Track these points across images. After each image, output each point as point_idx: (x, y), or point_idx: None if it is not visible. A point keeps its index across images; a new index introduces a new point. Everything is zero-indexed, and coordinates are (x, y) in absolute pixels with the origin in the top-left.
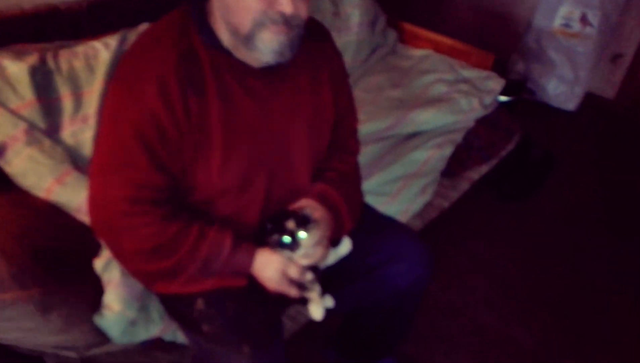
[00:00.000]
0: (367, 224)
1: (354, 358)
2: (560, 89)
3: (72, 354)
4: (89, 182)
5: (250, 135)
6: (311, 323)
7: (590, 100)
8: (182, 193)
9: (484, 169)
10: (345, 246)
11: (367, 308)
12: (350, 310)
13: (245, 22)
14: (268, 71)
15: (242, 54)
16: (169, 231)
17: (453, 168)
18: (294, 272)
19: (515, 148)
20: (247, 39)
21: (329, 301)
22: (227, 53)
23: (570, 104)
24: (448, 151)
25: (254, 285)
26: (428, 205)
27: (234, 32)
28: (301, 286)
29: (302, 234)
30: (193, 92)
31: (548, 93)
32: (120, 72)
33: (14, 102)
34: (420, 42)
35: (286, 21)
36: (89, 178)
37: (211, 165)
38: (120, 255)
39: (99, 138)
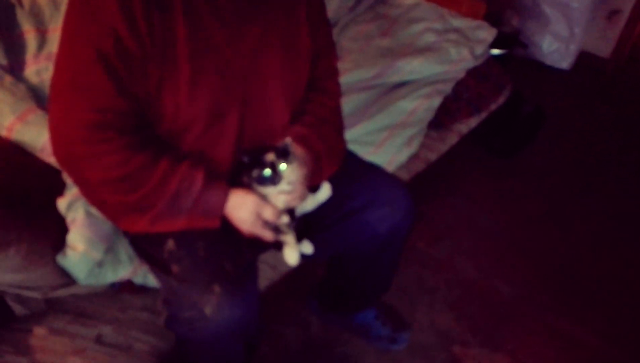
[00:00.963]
0: (347, 169)
1: (336, 309)
2: (555, 46)
3: (35, 294)
4: (49, 106)
5: (219, 59)
6: (293, 272)
7: (585, 58)
8: (149, 121)
9: (473, 122)
10: (325, 191)
11: (347, 255)
12: (330, 257)
13: None
14: None
15: None
16: (135, 160)
17: (441, 120)
18: (269, 214)
19: (506, 103)
20: None
21: (307, 247)
22: None
23: (565, 63)
24: (436, 102)
25: (227, 227)
26: (414, 157)
27: None
28: (276, 229)
29: (283, 166)
30: (156, 7)
31: (542, 51)
32: None
33: None
34: None
35: None
36: (48, 102)
37: (178, 89)
38: (83, 186)
39: (58, 58)
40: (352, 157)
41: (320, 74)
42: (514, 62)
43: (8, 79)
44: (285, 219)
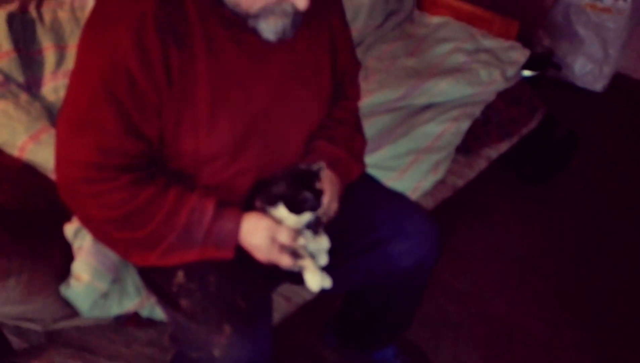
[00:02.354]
0: (371, 198)
1: (353, 345)
2: (588, 68)
3: (35, 327)
4: (55, 137)
5: (243, 94)
6: (309, 304)
7: (619, 81)
8: (162, 160)
9: (503, 146)
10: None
11: (367, 288)
12: (349, 290)
13: (254, 6)
14: None
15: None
16: (142, 195)
17: (469, 144)
18: (284, 236)
19: (538, 127)
20: (251, 18)
21: (326, 281)
22: (219, 1)
23: (598, 85)
24: (464, 125)
25: (242, 258)
26: (440, 183)
27: (237, 4)
28: (294, 253)
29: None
30: (175, 44)
31: (575, 72)
32: (92, 15)
33: None
34: (439, 9)
35: (296, 12)
36: (55, 131)
37: (198, 126)
38: (88, 223)
39: (68, 89)
40: (375, 184)
41: (341, 84)
42: (545, 84)
43: (24, 97)
44: (301, 241)
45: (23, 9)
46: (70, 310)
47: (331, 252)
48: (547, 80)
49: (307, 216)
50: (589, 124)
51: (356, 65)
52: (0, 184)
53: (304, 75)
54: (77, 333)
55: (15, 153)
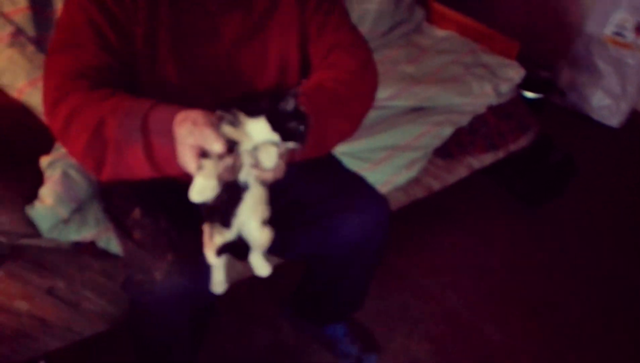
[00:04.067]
0: (327, 173)
1: (307, 318)
2: (605, 102)
3: (2, 239)
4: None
5: (199, 47)
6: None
7: (636, 118)
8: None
9: (487, 158)
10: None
11: (318, 260)
12: (302, 259)
13: None
14: None
15: None
16: (94, 94)
17: (451, 150)
18: (212, 136)
19: (532, 146)
20: None
21: (262, 268)
22: None
23: (614, 120)
24: (447, 131)
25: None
26: (415, 182)
27: None
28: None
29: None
30: None
31: (591, 105)
32: None
33: (7, 7)
34: (447, 24)
35: None
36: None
37: (153, 65)
38: (59, 131)
39: (57, 25)
40: (333, 161)
41: (327, 52)
42: (557, 111)
43: (30, 48)
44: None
45: None
46: (33, 230)
47: (283, 221)
48: (558, 107)
49: (288, 147)
50: (599, 157)
51: (354, 40)
52: None
53: (263, 43)
54: (38, 251)
55: (14, 94)
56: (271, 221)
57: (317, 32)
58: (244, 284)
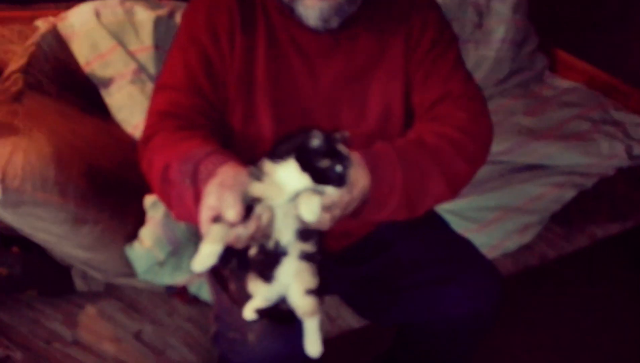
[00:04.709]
0: (431, 233)
1: None
2: None
3: (98, 275)
4: None
5: (295, 91)
6: (357, 333)
7: None
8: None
9: (613, 228)
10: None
11: (413, 332)
12: (398, 329)
13: None
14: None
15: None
16: (177, 135)
17: (571, 216)
18: (231, 196)
19: None
20: (291, 2)
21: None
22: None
23: None
24: (569, 194)
25: None
26: (527, 249)
27: None
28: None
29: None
30: (241, 26)
31: None
32: None
33: (133, 45)
34: (573, 74)
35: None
36: None
37: (247, 110)
38: (144, 172)
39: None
40: (440, 222)
41: (433, 103)
42: None
43: (149, 85)
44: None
45: (170, 15)
46: (129, 269)
47: (381, 282)
48: None
49: (325, 192)
50: None
51: (466, 90)
52: (108, 151)
53: (356, 92)
54: (130, 291)
55: (129, 130)
56: (364, 282)
57: (423, 80)
58: (328, 344)
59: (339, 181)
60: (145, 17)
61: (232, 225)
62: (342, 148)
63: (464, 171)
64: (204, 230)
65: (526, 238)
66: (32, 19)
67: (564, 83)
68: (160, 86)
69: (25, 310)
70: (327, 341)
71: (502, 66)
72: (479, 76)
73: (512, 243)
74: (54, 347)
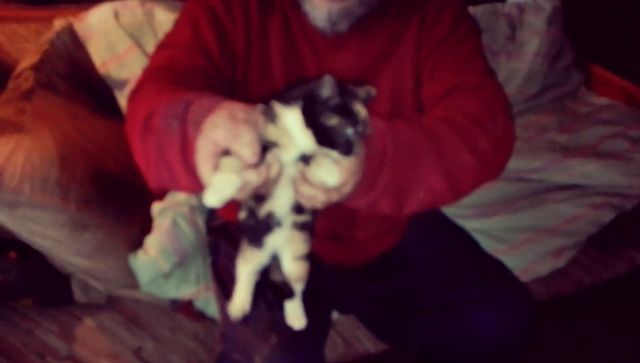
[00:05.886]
0: (459, 251)
1: None
2: None
3: (99, 286)
4: None
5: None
6: (373, 358)
7: None
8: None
9: None
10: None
11: (436, 356)
12: (419, 350)
13: None
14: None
15: None
16: (168, 88)
17: (608, 240)
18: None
19: None
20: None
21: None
22: None
23: None
24: (607, 216)
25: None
26: (561, 274)
27: None
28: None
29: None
30: (257, 6)
31: None
32: None
33: (151, 47)
34: (610, 91)
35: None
36: None
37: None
38: (126, 128)
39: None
40: (468, 240)
41: (441, 97)
42: None
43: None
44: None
45: None
46: (132, 280)
47: (403, 301)
48: None
49: (330, 155)
50: None
51: (481, 82)
52: (117, 155)
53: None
54: (132, 304)
55: None
56: (386, 301)
57: (433, 70)
58: None
59: (346, 147)
60: (164, 18)
61: (247, 167)
62: (359, 107)
63: (467, 165)
64: (205, 170)
65: (560, 262)
66: (51, 19)
67: (600, 100)
68: (161, 46)
69: (19, 320)
70: None
71: (534, 80)
72: (509, 90)
73: (545, 267)
74: (48, 362)
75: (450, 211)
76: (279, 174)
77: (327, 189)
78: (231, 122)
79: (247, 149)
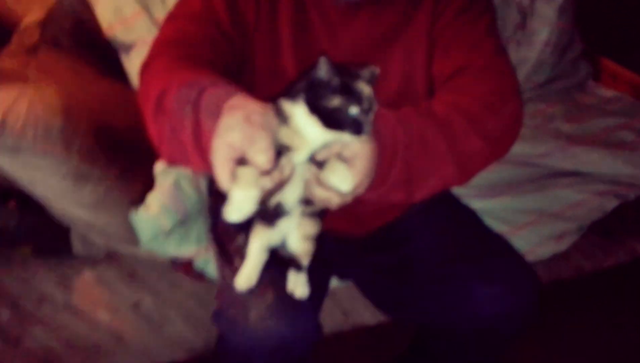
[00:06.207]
0: (463, 225)
1: None
2: None
3: (99, 239)
4: None
5: (316, 55)
6: (371, 331)
7: None
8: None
9: None
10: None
11: (434, 330)
12: (419, 324)
13: None
14: None
15: None
16: (178, 63)
17: (611, 228)
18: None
19: None
20: None
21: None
22: None
23: None
24: (611, 204)
25: None
26: (562, 258)
27: None
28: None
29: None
30: None
31: None
32: None
33: (159, 12)
34: (618, 85)
35: None
36: None
37: (281, 69)
38: (139, 99)
39: None
40: (471, 215)
41: (451, 75)
42: None
43: None
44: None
45: None
46: (132, 236)
47: (404, 271)
48: None
49: (339, 138)
50: None
51: (490, 62)
52: (120, 113)
53: (377, 60)
54: (132, 260)
55: None
56: (386, 270)
57: (445, 47)
58: (339, 339)
59: (354, 127)
60: None
61: (262, 173)
62: (362, 85)
63: (477, 150)
64: (223, 176)
65: (562, 246)
66: None
67: (608, 92)
68: (171, 17)
69: (17, 267)
70: (339, 337)
71: (542, 69)
72: (518, 77)
73: (547, 250)
74: (44, 309)
75: (455, 190)
76: (291, 176)
77: (341, 193)
78: (247, 127)
79: (262, 156)
